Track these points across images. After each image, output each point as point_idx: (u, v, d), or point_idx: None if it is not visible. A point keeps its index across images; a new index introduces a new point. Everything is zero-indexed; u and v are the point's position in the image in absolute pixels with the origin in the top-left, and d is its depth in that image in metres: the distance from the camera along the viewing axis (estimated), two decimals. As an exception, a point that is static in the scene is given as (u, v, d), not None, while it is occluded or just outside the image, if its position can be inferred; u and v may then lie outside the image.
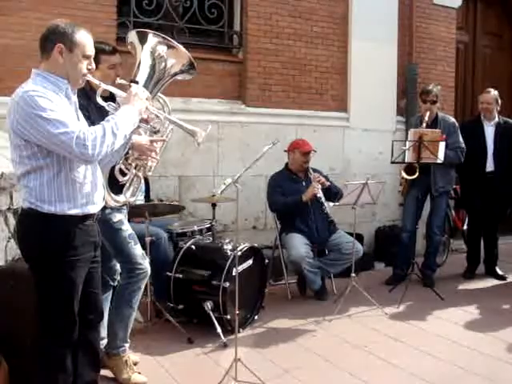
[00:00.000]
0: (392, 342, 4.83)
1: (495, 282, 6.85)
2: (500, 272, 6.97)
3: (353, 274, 5.60)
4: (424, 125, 6.14)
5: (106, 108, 3.00)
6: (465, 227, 7.58)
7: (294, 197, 5.82)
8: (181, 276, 4.89)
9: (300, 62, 7.08)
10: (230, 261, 4.72)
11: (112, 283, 4.09)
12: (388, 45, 7.69)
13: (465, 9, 9.01)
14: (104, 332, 3.99)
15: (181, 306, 4.92)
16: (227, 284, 4.64)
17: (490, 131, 6.76)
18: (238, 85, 6.81)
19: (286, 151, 6.07)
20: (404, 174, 6.19)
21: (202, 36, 6.79)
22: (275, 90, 6.91)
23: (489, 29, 9.53)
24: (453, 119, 6.58)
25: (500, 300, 6.05)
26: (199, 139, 3.08)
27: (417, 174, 6.04)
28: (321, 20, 7.22)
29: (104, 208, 3.36)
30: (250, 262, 5.00)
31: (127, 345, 4.02)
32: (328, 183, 5.89)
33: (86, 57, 2.85)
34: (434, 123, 6.35)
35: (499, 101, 6.81)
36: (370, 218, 7.64)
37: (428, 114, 6.26)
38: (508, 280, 6.85)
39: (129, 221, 4.12)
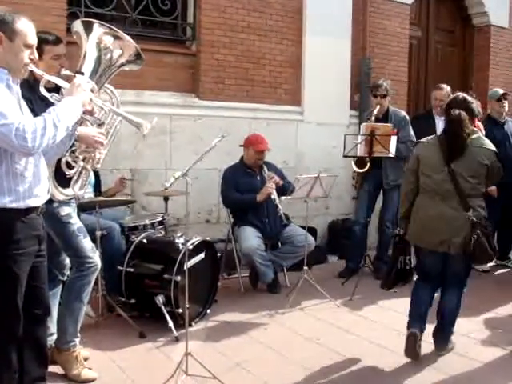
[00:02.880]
0: (344, 333, 4.88)
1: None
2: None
3: (305, 267, 5.62)
4: (373, 118, 6.21)
5: (50, 99, 2.95)
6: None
7: (248, 196, 5.82)
8: (132, 270, 4.86)
9: (254, 55, 7.07)
10: (181, 254, 4.68)
11: (61, 278, 4.03)
12: (342, 39, 7.73)
13: (418, 5, 9.11)
14: (53, 327, 3.93)
15: (132, 301, 4.88)
16: (179, 278, 4.62)
17: (441, 126, 6.83)
18: (192, 78, 6.76)
19: (241, 146, 6.05)
20: (355, 168, 6.25)
21: (155, 28, 6.73)
22: (229, 83, 6.88)
23: (441, 25, 9.65)
24: (404, 113, 6.66)
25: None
26: (145, 131, 3.04)
27: (367, 167, 6.11)
28: (275, 14, 7.22)
29: (52, 201, 3.31)
30: (202, 255, 4.98)
31: (77, 340, 3.95)
32: (282, 182, 5.90)
33: (28, 46, 2.78)
34: (385, 117, 6.42)
35: (451, 96, 6.89)
36: (323, 211, 7.68)
37: (378, 107, 6.33)
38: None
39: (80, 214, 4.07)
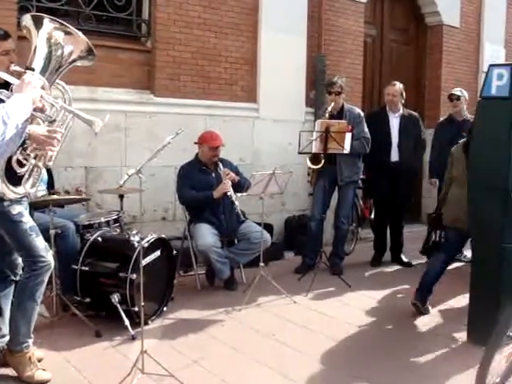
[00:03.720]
0: (300, 329, 4.92)
1: (401, 268, 7.10)
2: (405, 259, 7.22)
3: (261, 264, 5.64)
4: (327, 115, 6.27)
5: (-1, 96, 2.89)
6: (372, 216, 7.75)
7: (204, 193, 5.80)
8: (87, 269, 4.80)
9: (210, 52, 7.04)
10: (136, 252, 4.65)
11: (14, 278, 3.94)
12: (298, 37, 7.77)
13: (372, 3, 9.22)
14: (5, 329, 3.86)
15: (88, 300, 4.83)
16: (134, 276, 4.58)
17: (394, 122, 6.96)
18: (147, 74, 6.70)
19: (196, 143, 6.02)
20: (309, 164, 6.29)
21: (110, 24, 6.64)
22: (184, 80, 6.84)
23: (395, 23, 9.80)
24: (358, 110, 6.74)
25: (405, 286, 6.26)
26: (96, 129, 2.99)
27: (322, 163, 6.16)
28: (231, 10, 7.21)
29: (2, 200, 3.25)
30: (158, 253, 4.95)
31: (31, 341, 3.88)
32: (238, 178, 5.90)
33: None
34: (340, 114, 6.48)
35: (404, 94, 7.03)
36: (279, 207, 7.72)
37: (333, 104, 6.39)
38: (413, 266, 7.09)
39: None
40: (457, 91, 7.24)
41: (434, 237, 5.55)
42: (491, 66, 4.56)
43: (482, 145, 4.55)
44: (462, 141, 5.34)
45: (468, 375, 3.74)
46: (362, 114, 6.73)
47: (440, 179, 6.90)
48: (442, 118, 7.47)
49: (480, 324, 4.41)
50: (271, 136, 7.55)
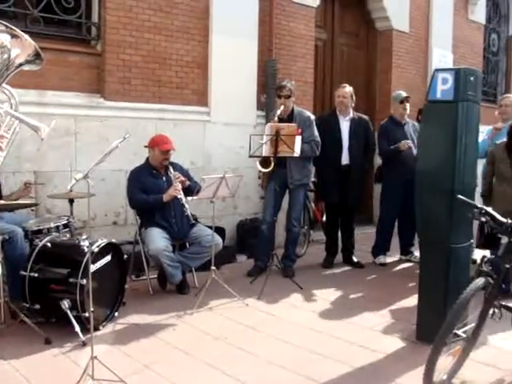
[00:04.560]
0: (252, 331, 4.94)
1: (352, 269, 7.19)
2: (356, 260, 7.31)
3: (213, 267, 5.65)
4: (276, 119, 6.31)
5: None
6: (324, 219, 7.82)
7: (154, 196, 5.77)
8: (36, 275, 4.72)
9: (160, 55, 7.02)
10: (86, 257, 4.60)
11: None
12: (249, 40, 7.80)
13: (323, 8, 9.32)
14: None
15: (37, 306, 4.75)
16: (84, 281, 4.54)
17: (345, 126, 7.05)
18: (97, 78, 6.64)
19: (146, 147, 6.00)
20: (260, 167, 6.33)
21: (59, 26, 6.54)
22: (135, 83, 6.80)
23: (346, 28, 9.94)
24: (308, 113, 6.80)
25: (356, 287, 6.35)
26: (42, 135, 2.97)
27: (272, 166, 6.21)
28: (181, 14, 7.19)
29: None
30: (109, 257, 4.92)
31: (-23, 349, 3.84)
32: (188, 182, 5.89)
33: None
34: (290, 117, 6.53)
35: (354, 97, 7.12)
36: (231, 211, 7.74)
37: (282, 108, 6.44)
38: (364, 267, 7.21)
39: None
40: (405, 93, 7.39)
41: (486, 230, 5.46)
42: (436, 70, 4.68)
43: (429, 147, 4.65)
44: (500, 141, 5.94)
45: (417, 373, 3.79)
46: (312, 117, 6.78)
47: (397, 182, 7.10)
48: (384, 121, 7.55)
49: (428, 323, 4.49)
50: (222, 139, 7.56)
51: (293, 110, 6.62)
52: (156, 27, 6.96)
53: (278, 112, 6.38)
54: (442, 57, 11.13)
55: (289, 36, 8.43)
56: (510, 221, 3.73)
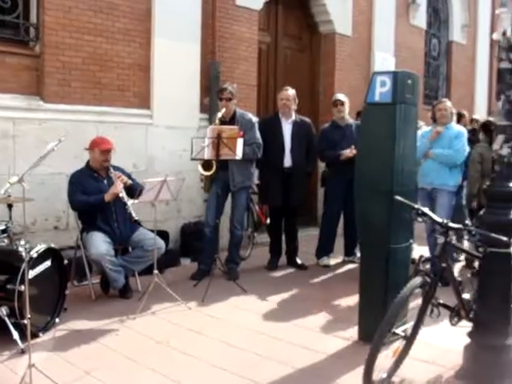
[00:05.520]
0: (195, 335, 4.93)
1: (296, 271, 7.24)
2: (300, 262, 7.36)
3: (155, 271, 5.62)
4: (217, 121, 6.31)
5: None
6: (268, 221, 7.84)
7: (96, 196, 5.69)
8: (-28, 282, 4.62)
9: (101, 57, 6.91)
10: (24, 263, 4.50)
11: None
12: (191, 43, 7.77)
13: (266, 11, 9.35)
14: None
15: (-27, 314, 4.64)
16: (23, 287, 4.44)
17: (287, 129, 7.10)
18: (36, 80, 6.48)
19: (87, 149, 5.91)
20: (201, 170, 6.32)
21: (-4, 27, 6.42)
22: (75, 85, 6.68)
23: (289, 31, 10.01)
24: (250, 115, 6.81)
25: (300, 288, 6.41)
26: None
27: (213, 169, 6.21)
28: (122, 16, 7.11)
29: None
30: (48, 263, 4.83)
31: None
32: (130, 182, 5.84)
33: None
34: (232, 120, 6.54)
35: (296, 100, 7.18)
36: (175, 214, 7.68)
37: (224, 110, 6.44)
38: (307, 269, 7.26)
39: None
40: (341, 96, 7.47)
41: None
42: (375, 73, 4.77)
43: (368, 148, 4.73)
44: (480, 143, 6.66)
45: (357, 373, 3.84)
46: (254, 119, 6.80)
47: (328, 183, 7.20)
48: (326, 124, 7.64)
49: (369, 322, 4.57)
50: (165, 142, 7.51)
51: (235, 112, 6.63)
52: (97, 29, 6.85)
53: (220, 114, 6.39)
54: (384, 60, 11.34)
55: (232, 39, 8.44)
56: (445, 221, 3.82)
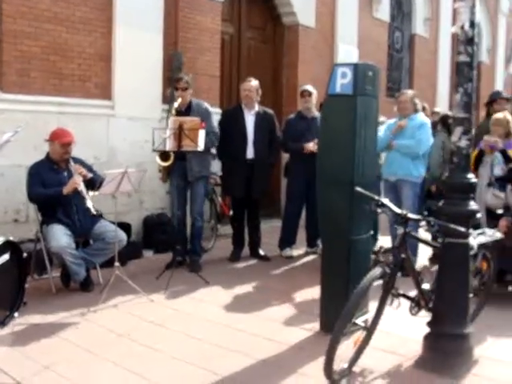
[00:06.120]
0: (156, 328, 4.90)
1: (258, 262, 7.25)
2: (262, 253, 7.37)
3: (116, 263, 5.57)
4: (173, 111, 6.28)
5: None
6: (231, 213, 7.83)
7: (54, 189, 5.61)
8: None
9: (61, 47, 6.81)
10: (-18, 257, 4.42)
11: None
12: (153, 33, 7.71)
13: (230, 2, 9.32)
14: None
15: None
16: (-20, 282, 4.37)
17: (250, 120, 7.08)
18: (-7, 70, 6.39)
19: (47, 141, 5.82)
20: (159, 161, 6.28)
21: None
22: (34, 75, 6.57)
23: (253, 22, 9.99)
24: (206, 105, 6.78)
25: (263, 280, 6.42)
26: None
27: (171, 160, 6.17)
28: (83, 4, 7.01)
29: None
30: (6, 256, 4.73)
31: None
32: (90, 175, 5.76)
33: None
34: (188, 110, 6.51)
35: (259, 91, 7.17)
36: (137, 206, 7.63)
37: (180, 100, 6.40)
38: (270, 260, 7.27)
39: None
40: (309, 87, 7.48)
41: None
42: (336, 65, 4.78)
43: (329, 140, 4.74)
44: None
45: (319, 363, 3.85)
46: (210, 108, 6.77)
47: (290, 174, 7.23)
48: (291, 115, 7.66)
49: (330, 313, 4.56)
50: (127, 134, 7.44)
51: (190, 102, 6.59)
52: (56, 17, 6.74)
53: (176, 105, 6.36)
54: (347, 52, 11.40)
55: (195, 29, 8.37)
56: (404, 212, 3.86)
